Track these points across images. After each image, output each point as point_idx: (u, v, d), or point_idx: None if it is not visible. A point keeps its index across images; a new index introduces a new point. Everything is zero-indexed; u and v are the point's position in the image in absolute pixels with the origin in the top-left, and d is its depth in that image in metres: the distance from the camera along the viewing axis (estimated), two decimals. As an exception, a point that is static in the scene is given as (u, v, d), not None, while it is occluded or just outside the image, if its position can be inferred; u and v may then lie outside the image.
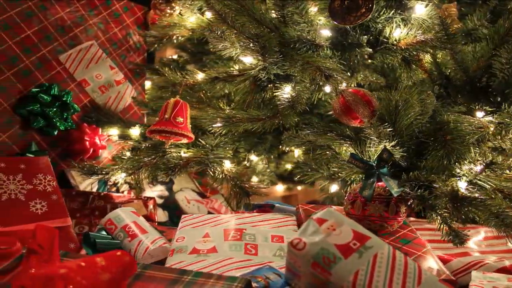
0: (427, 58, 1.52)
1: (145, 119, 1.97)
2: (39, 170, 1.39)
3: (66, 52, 1.70)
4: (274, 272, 1.05)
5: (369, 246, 0.85)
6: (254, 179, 2.02)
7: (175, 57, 2.21)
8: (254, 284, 0.97)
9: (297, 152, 1.90)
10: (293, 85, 1.39)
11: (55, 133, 1.65)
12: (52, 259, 0.93)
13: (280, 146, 1.78)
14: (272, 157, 1.85)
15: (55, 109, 1.63)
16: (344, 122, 1.32)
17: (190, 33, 1.83)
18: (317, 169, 1.45)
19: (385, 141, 1.24)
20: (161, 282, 0.90)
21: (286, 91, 1.39)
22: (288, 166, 2.39)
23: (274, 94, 1.41)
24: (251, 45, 1.31)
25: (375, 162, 1.24)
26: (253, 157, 1.77)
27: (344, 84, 1.37)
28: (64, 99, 1.64)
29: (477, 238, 1.38)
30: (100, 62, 1.77)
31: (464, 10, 1.88)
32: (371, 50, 1.59)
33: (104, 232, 1.32)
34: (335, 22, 1.34)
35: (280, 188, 2.60)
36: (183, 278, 0.92)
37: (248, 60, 1.40)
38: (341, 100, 1.28)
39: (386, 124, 1.22)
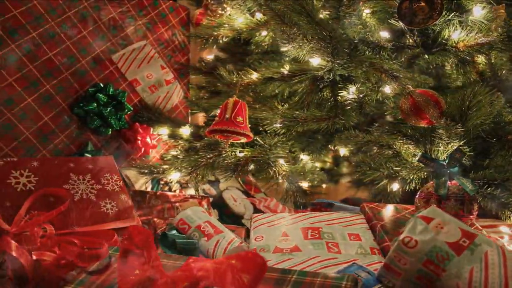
0: (481, 59, 1.56)
1: (189, 119, 1.98)
2: (106, 170, 1.40)
3: (119, 52, 1.71)
4: (363, 270, 1.08)
5: (478, 243, 0.88)
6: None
7: (210, 57, 2.22)
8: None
9: (343, 151, 1.92)
10: (358, 85, 1.41)
11: (109, 132, 1.66)
12: (153, 260, 0.95)
13: (329, 146, 1.80)
14: (321, 155, 1.87)
15: (110, 108, 1.63)
16: (412, 123, 1.34)
17: (236, 33, 1.85)
18: (378, 168, 1.48)
19: (455, 140, 1.27)
20: (268, 282, 0.91)
21: (351, 92, 1.42)
22: (317, 165, 2.42)
23: (339, 94, 1.44)
24: (321, 46, 1.33)
25: (446, 162, 1.27)
26: (303, 156, 1.79)
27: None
28: (119, 98, 1.65)
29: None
30: (152, 62, 1.78)
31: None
32: (422, 51, 1.62)
33: (175, 232, 1.34)
34: (403, 24, 1.36)
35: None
36: (288, 278, 0.93)
37: (316, 61, 1.42)
38: (411, 100, 1.31)
39: (459, 124, 1.25)
